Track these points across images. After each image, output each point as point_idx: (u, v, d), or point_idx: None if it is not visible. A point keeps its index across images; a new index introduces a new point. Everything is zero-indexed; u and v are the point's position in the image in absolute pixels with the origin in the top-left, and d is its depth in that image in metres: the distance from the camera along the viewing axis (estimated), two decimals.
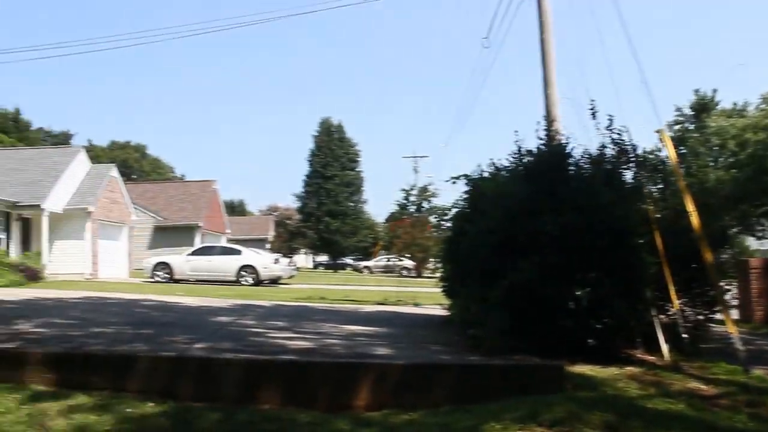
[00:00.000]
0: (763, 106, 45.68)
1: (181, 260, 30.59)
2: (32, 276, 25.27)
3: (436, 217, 27.74)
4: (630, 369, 7.52)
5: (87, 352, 7.17)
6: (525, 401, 5.86)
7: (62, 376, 6.78)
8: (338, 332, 9.67)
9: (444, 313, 11.66)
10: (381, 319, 12.42)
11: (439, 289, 12.14)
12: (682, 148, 45.54)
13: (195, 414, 6.10)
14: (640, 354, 8.36)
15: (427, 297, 19.92)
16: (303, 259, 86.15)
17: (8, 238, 28.82)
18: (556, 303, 7.80)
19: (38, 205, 29.38)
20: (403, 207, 65.72)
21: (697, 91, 49.05)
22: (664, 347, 8.23)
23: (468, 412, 5.85)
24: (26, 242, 30.50)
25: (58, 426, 5.57)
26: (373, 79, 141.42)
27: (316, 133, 74.24)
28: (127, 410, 6.05)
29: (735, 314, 12.18)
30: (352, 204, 72.78)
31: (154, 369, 6.82)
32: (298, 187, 75.53)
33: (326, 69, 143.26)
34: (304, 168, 75.08)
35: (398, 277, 41.14)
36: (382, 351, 7.80)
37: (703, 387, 7.07)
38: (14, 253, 28.39)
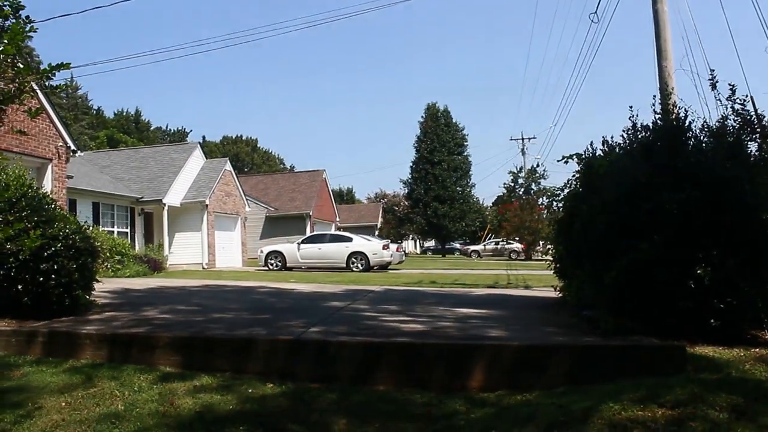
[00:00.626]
0: None
1: (292, 248, 31.49)
2: (155, 266, 26.73)
3: (547, 198, 27.22)
4: (757, 351, 7.17)
5: (209, 336, 7.54)
6: (645, 382, 5.72)
7: (188, 359, 7.20)
8: (450, 315, 9.70)
9: (556, 295, 11.46)
10: (492, 301, 12.36)
11: (551, 272, 11.94)
12: None
13: (312, 394, 6.33)
14: (766, 335, 7.94)
15: (537, 279, 19.66)
16: (411, 245, 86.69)
17: (132, 231, 30.65)
18: (676, 283, 7.52)
19: (159, 200, 31.09)
20: (510, 190, 64.92)
21: None
22: None
23: (584, 393, 5.77)
24: (149, 235, 32.37)
25: (186, 404, 5.93)
26: (477, 60, 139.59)
27: (422, 119, 74.30)
28: (249, 390, 6.36)
29: None
30: (459, 188, 72.41)
31: (272, 352, 7.11)
32: (406, 174, 75.97)
33: (431, 53, 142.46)
34: (412, 155, 75.15)
35: (507, 260, 40.70)
36: (495, 333, 7.78)
37: None
38: (138, 246, 30.20)
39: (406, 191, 75.88)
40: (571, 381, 6.32)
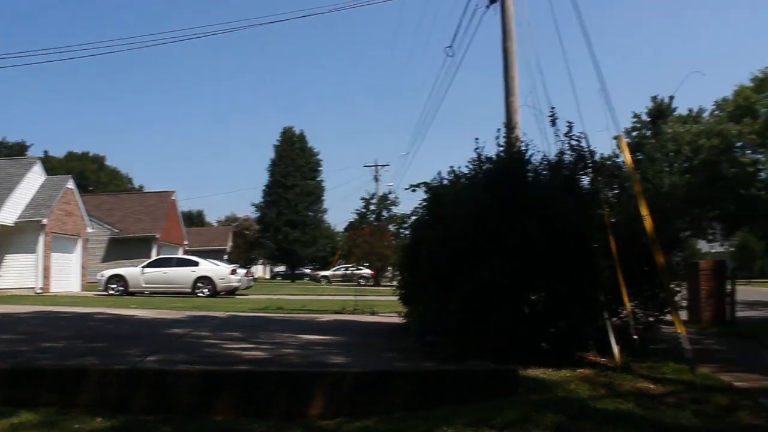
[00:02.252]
0: (717, 112, 46.88)
1: (135, 272, 30.04)
2: None
3: (395, 225, 27.79)
4: (582, 371, 7.61)
5: (34, 367, 6.98)
6: (478, 405, 5.88)
7: (8, 393, 6.57)
8: (294, 342, 9.59)
9: (401, 321, 11.63)
10: (337, 328, 12.37)
11: (397, 298, 12.13)
12: (639, 153, 46.43)
13: (146, 427, 5.96)
14: (592, 356, 8.44)
15: (384, 305, 19.87)
16: (261, 270, 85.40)
17: None
18: (513, 308, 7.85)
19: None
20: (362, 216, 65.67)
21: (654, 97, 50.07)
22: (615, 349, 8.32)
23: (422, 418, 5.84)
24: None
25: None
26: (336, 87, 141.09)
27: (278, 143, 73.80)
28: (75, 426, 5.88)
29: (684, 315, 12.42)
30: (311, 213, 72.40)
31: (105, 383, 6.66)
32: (258, 197, 74.93)
33: (289, 78, 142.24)
34: (264, 178, 74.38)
35: (356, 286, 41.06)
36: (337, 360, 7.76)
37: (652, 386, 7.20)
38: None
39: (258, 215, 74.89)
40: (410, 406, 6.36)
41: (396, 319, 12.35)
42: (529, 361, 7.71)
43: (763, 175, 40.46)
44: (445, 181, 10.71)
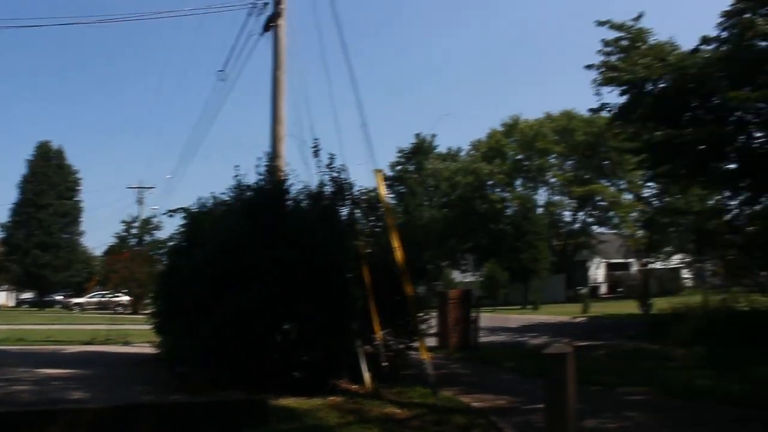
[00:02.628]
0: (472, 152, 50.99)
1: None
2: None
3: (154, 251, 26.65)
4: (333, 399, 7.78)
5: None
6: None
7: None
8: (30, 377, 8.78)
9: (154, 351, 11.12)
10: (84, 360, 11.53)
11: (151, 327, 11.60)
12: (402, 187, 49.10)
13: None
14: (345, 383, 8.66)
15: (140, 335, 18.82)
16: (4, 297, 77.41)
17: None
18: (266, 337, 7.84)
19: None
20: (123, 240, 62.17)
21: (418, 134, 53.10)
22: (367, 376, 8.61)
23: None
24: None
25: None
26: (101, 105, 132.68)
27: (32, 158, 67.61)
28: None
29: (434, 341, 13.20)
30: (67, 236, 67.13)
31: None
32: (4, 217, 67.88)
33: (45, 92, 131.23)
34: (13, 195, 67.71)
35: (113, 314, 38.66)
36: (78, 395, 7.23)
37: (398, 411, 7.53)
38: None
39: (3, 236, 67.89)
40: None
41: (149, 350, 11.78)
42: (283, 390, 7.73)
43: (509, 211, 44.70)
44: (206, 208, 10.50)
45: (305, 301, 8.07)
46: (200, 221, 10.02)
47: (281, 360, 7.85)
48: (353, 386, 8.60)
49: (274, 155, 12.79)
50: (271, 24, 12.48)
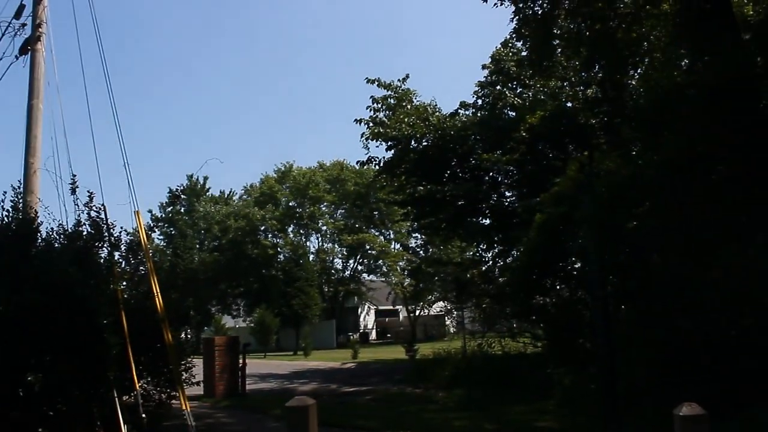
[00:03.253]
0: (245, 196, 50.61)
1: None
2: None
3: None
4: None
5: None
6: None
7: None
8: None
9: None
10: None
11: None
12: (172, 228, 47.29)
13: None
14: None
15: None
16: None
17: None
18: (4, 391, 7.04)
19: None
20: None
21: (190, 176, 51.53)
22: (124, 429, 8.06)
23: None
24: None
25: None
26: None
27: None
28: None
29: (201, 390, 12.74)
30: None
31: None
32: None
33: None
34: None
35: None
36: None
37: None
38: None
39: None
40: None
41: None
42: None
43: (281, 257, 44.78)
44: None
45: (53, 349, 7.38)
46: None
47: (22, 416, 7.08)
48: None
49: (25, 190, 11.76)
50: (28, 47, 11.53)
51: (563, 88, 15.97)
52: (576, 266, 12.33)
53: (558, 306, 13.02)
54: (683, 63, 10.38)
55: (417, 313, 46.28)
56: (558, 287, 13.27)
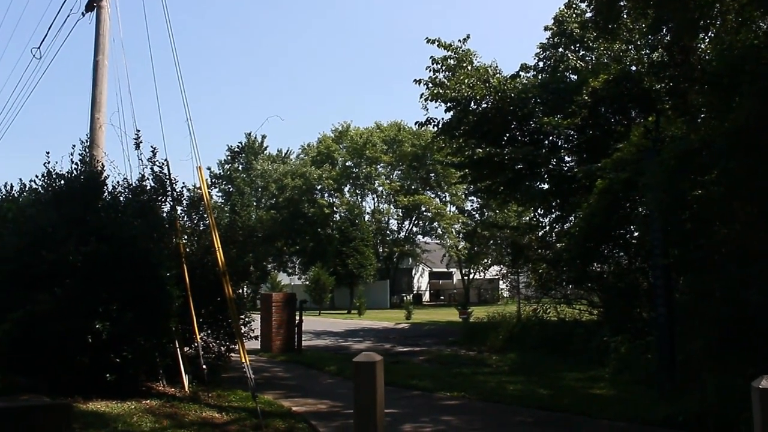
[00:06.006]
0: (302, 156, 50.93)
1: None
2: None
3: None
4: (148, 402, 7.44)
5: None
6: None
7: None
8: None
9: None
10: None
11: None
12: (230, 186, 48.06)
13: None
14: (161, 387, 8.33)
15: None
16: None
17: None
18: (74, 337, 7.31)
19: None
20: None
21: (249, 134, 52.17)
22: (185, 379, 8.33)
23: None
24: None
25: None
26: None
27: None
28: None
29: (257, 344, 13.03)
30: None
31: None
32: None
33: None
34: None
35: None
36: None
37: (217, 415, 7.35)
38: None
39: None
40: None
41: None
42: (91, 393, 7.29)
43: (337, 217, 45.09)
44: (12, 195, 9.70)
45: (114, 299, 7.61)
46: (4, 210, 9.20)
47: (91, 361, 7.35)
48: (170, 389, 8.28)
49: (91, 144, 12.08)
50: (94, 4, 11.69)
51: (628, 51, 15.46)
52: (635, 234, 12.07)
53: (615, 274, 12.81)
54: (760, 26, 9.91)
55: (471, 276, 46.18)
56: (616, 255, 13.04)
